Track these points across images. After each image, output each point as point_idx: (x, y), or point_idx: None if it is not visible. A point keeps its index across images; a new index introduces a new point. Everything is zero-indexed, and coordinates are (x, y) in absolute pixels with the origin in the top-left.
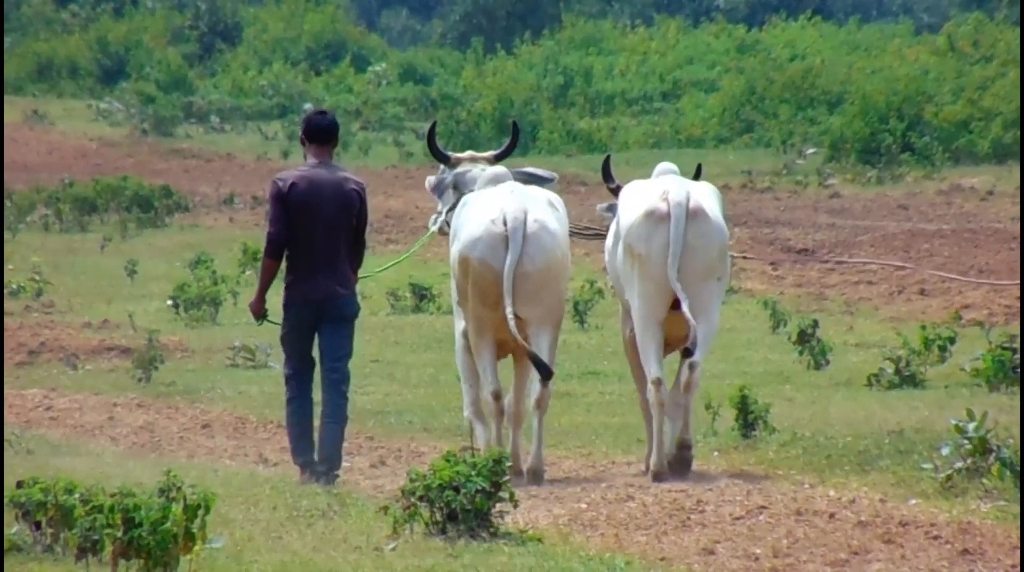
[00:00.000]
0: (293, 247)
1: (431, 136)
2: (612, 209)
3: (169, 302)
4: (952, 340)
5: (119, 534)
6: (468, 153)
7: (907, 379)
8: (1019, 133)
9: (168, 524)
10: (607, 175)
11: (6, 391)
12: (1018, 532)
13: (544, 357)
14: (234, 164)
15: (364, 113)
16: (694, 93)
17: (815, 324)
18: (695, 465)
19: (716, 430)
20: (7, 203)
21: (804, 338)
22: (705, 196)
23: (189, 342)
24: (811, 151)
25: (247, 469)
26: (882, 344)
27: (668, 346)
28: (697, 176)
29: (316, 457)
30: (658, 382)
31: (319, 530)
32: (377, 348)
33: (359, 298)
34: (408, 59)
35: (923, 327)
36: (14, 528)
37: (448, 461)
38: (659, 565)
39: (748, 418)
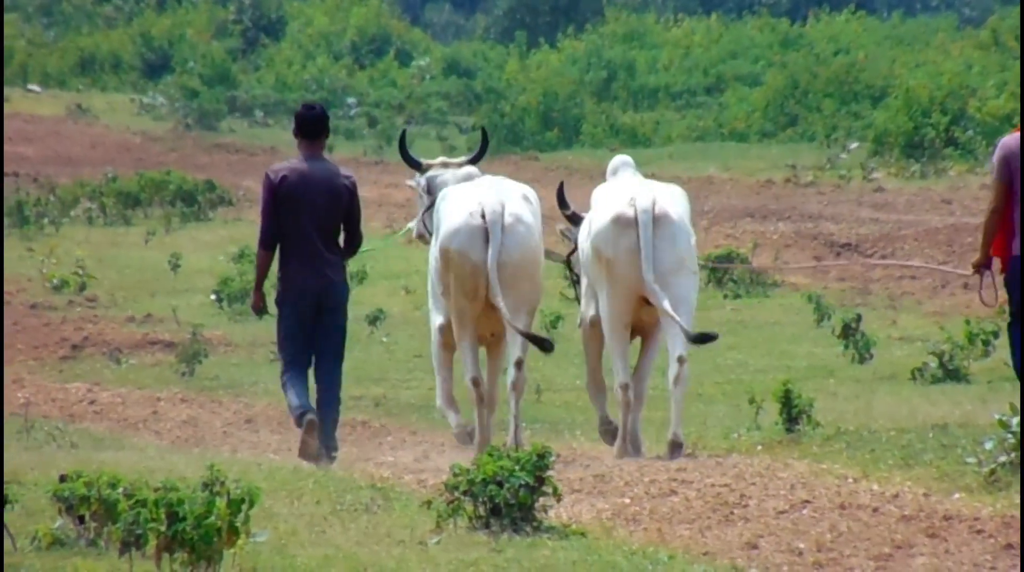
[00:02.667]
0: (285, 239)
1: (402, 144)
2: (569, 232)
3: (212, 296)
4: (996, 334)
5: (163, 528)
6: (440, 159)
7: (951, 373)
8: None
9: (212, 518)
10: (562, 202)
11: (50, 385)
12: None
13: (517, 344)
14: (278, 158)
15: (408, 107)
16: (737, 87)
17: (859, 318)
18: (737, 459)
19: (760, 424)
20: (50, 198)
21: (848, 332)
22: (670, 200)
23: (232, 336)
24: (854, 145)
25: (291, 463)
26: (926, 338)
27: (638, 332)
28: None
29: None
30: (626, 387)
31: (363, 524)
32: (420, 343)
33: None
34: (452, 53)
35: (967, 321)
36: (57, 522)
37: (491, 456)
38: (702, 559)
39: (792, 412)
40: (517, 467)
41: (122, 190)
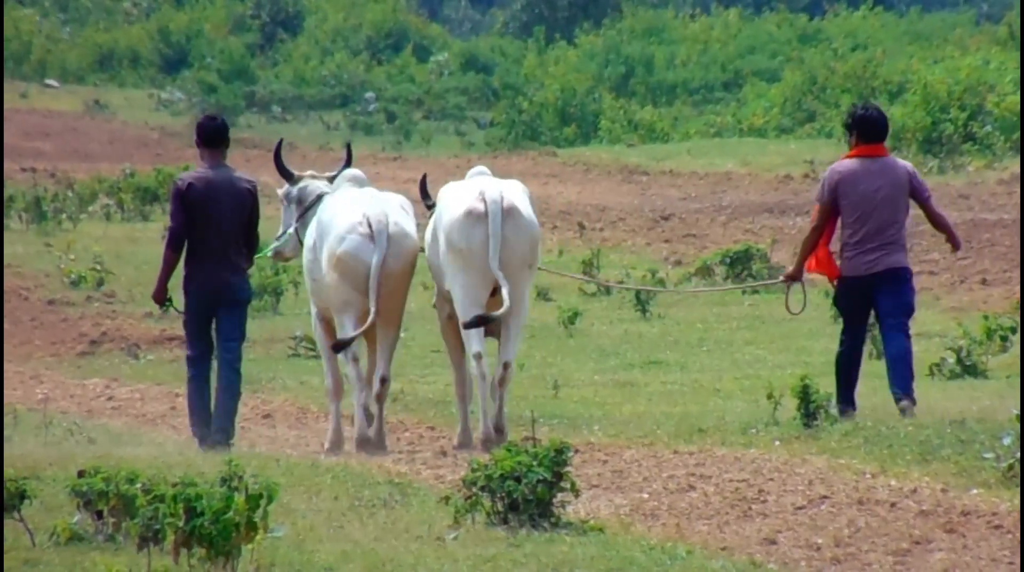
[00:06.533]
0: (192, 241)
1: (278, 154)
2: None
3: None
4: (1014, 330)
5: (181, 524)
6: (309, 172)
7: (968, 369)
8: None
9: (230, 514)
10: (424, 194)
11: (68, 381)
12: None
13: (390, 343)
14: (296, 154)
15: (426, 103)
16: (756, 83)
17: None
18: (755, 454)
19: (777, 419)
20: (68, 193)
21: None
22: (516, 194)
23: (250, 332)
24: None
25: (309, 459)
26: (943, 334)
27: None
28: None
29: (212, 428)
30: (479, 356)
31: (381, 520)
32: (438, 338)
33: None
34: (470, 48)
35: (985, 317)
36: (76, 517)
37: (510, 451)
38: (720, 555)
39: (810, 407)
40: (535, 462)
41: (140, 185)
